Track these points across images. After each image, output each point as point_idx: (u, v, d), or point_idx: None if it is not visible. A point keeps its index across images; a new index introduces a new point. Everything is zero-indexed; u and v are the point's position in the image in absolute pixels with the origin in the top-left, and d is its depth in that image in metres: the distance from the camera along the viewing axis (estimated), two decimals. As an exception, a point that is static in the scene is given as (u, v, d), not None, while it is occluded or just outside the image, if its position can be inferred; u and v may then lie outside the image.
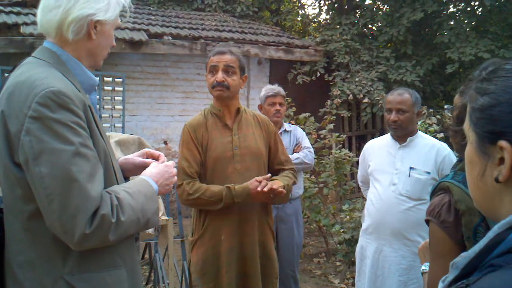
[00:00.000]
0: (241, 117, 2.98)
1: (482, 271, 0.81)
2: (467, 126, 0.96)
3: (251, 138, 2.93)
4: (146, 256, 5.57)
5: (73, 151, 1.43)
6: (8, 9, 8.06)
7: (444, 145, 3.26)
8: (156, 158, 1.97)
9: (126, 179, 1.92)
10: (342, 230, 5.30)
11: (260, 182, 2.74)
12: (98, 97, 6.78)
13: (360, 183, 3.79)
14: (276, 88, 4.37)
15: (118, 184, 1.67)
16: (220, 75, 2.85)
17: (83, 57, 1.68)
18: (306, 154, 4.27)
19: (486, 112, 0.90)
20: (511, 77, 0.89)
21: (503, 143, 0.86)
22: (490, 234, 0.83)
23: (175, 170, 1.89)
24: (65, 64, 1.62)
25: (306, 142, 4.42)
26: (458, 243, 1.72)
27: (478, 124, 0.92)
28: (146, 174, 1.77)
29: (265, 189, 2.71)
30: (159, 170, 1.81)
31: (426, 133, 5.67)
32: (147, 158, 1.99)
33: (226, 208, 2.79)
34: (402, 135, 3.27)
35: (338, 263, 5.96)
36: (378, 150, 3.44)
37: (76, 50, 1.65)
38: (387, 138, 3.43)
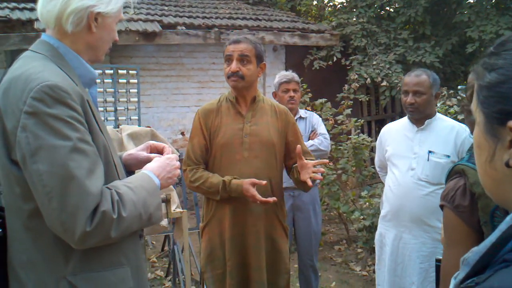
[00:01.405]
0: (257, 105, 2.92)
1: (494, 267, 0.72)
2: (474, 106, 0.86)
3: (263, 127, 2.86)
4: (166, 248, 5.57)
5: (70, 147, 1.39)
6: (22, 5, 8.09)
7: (464, 127, 3.14)
8: (160, 151, 1.93)
9: (131, 173, 1.88)
10: (361, 216, 5.22)
11: (254, 184, 2.67)
12: (112, 90, 6.76)
13: (377, 169, 3.71)
14: (290, 74, 4.28)
15: (119, 179, 1.62)
16: (234, 65, 2.79)
17: (82, 50, 1.62)
18: (321, 140, 4.18)
19: (494, 89, 0.80)
20: None
21: None
22: (503, 227, 0.74)
23: (178, 163, 1.83)
24: (62, 57, 1.57)
25: (322, 128, 4.34)
26: (474, 228, 1.63)
27: (485, 103, 0.82)
28: (147, 168, 1.72)
29: (258, 201, 2.67)
30: (161, 163, 1.76)
31: (446, 115, 5.54)
32: (151, 151, 1.95)
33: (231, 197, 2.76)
34: (420, 118, 3.17)
35: (359, 250, 5.89)
36: (395, 134, 3.34)
37: (75, 43, 1.60)
38: (404, 121, 3.33)
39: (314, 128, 4.31)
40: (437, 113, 3.25)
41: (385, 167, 3.47)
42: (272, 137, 2.87)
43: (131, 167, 1.90)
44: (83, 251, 1.48)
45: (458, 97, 6.19)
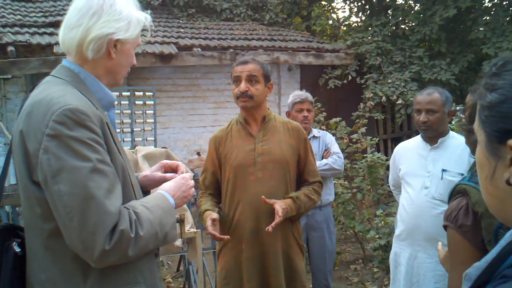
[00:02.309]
0: (268, 125, 2.93)
1: (494, 283, 0.74)
2: (476, 125, 0.89)
3: (275, 146, 2.87)
4: (181, 268, 5.58)
5: (90, 168, 1.43)
6: (42, 30, 8.28)
7: None
8: (175, 169, 1.96)
9: (147, 193, 1.92)
10: (377, 236, 5.18)
11: (215, 220, 2.71)
12: (129, 111, 6.85)
13: (391, 187, 3.69)
14: (304, 94, 4.31)
15: (136, 199, 1.66)
16: (243, 85, 2.82)
17: (102, 75, 1.68)
18: (335, 159, 4.19)
19: (494, 109, 0.83)
20: None
21: None
22: (502, 243, 0.76)
23: (192, 182, 1.86)
24: (83, 82, 1.63)
25: (335, 147, 4.34)
26: (479, 248, 1.63)
27: (487, 122, 0.85)
28: (163, 188, 1.76)
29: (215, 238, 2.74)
30: (176, 184, 1.79)
31: (463, 132, 5.49)
32: (165, 170, 1.99)
33: (245, 219, 2.80)
34: (433, 136, 3.16)
35: (375, 270, 5.83)
36: (409, 152, 3.33)
37: (95, 68, 1.65)
38: (417, 140, 3.32)
39: (327, 147, 4.32)
40: (450, 131, 3.24)
41: (399, 186, 3.45)
42: (285, 154, 2.87)
43: (147, 187, 1.94)
44: (100, 270, 1.51)
45: (457, 118, 6.15)
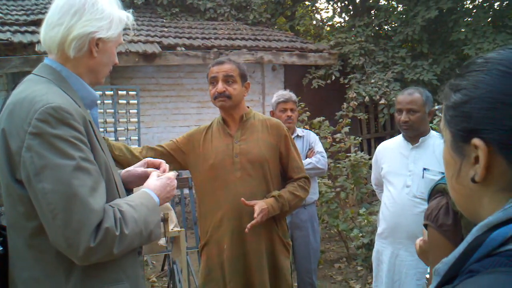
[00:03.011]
0: (246, 124, 2.93)
1: (461, 278, 0.76)
2: (442, 125, 0.92)
3: (253, 145, 2.87)
4: (166, 268, 5.57)
5: (74, 166, 1.43)
6: (24, 28, 8.19)
7: None
8: (157, 166, 1.97)
9: (130, 191, 1.92)
10: (360, 234, 5.22)
11: None
12: (112, 110, 6.82)
13: (374, 186, 3.73)
14: (287, 93, 4.33)
15: (120, 197, 1.66)
16: (220, 86, 2.82)
17: (83, 74, 1.68)
18: (318, 159, 4.22)
19: (458, 109, 0.86)
20: (482, 71, 0.84)
21: (476, 141, 0.81)
22: (469, 238, 0.79)
23: (175, 183, 1.87)
24: (65, 80, 1.62)
25: (319, 147, 4.37)
26: None
27: (451, 122, 0.88)
28: (148, 187, 1.76)
29: None
30: (162, 184, 1.79)
31: (444, 132, 5.56)
32: (148, 167, 1.98)
33: (228, 219, 2.80)
34: (414, 135, 3.20)
35: (359, 268, 5.88)
36: (391, 152, 3.37)
37: (77, 67, 1.65)
38: (399, 139, 3.36)
39: (311, 147, 4.35)
40: (431, 131, 3.28)
41: (382, 185, 3.48)
42: (263, 153, 2.86)
43: (130, 184, 1.94)
44: (83, 268, 1.51)
45: (438, 117, 6.24)
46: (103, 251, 1.46)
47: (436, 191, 1.79)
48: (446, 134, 0.90)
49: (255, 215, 2.64)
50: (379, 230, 3.36)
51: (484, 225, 0.78)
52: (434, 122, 5.65)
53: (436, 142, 3.20)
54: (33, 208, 1.46)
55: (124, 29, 1.76)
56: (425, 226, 1.80)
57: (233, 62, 2.90)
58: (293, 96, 4.33)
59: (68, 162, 1.42)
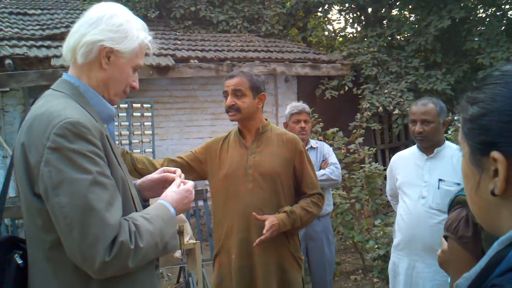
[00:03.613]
0: (262, 136, 2.95)
1: None
2: (460, 138, 0.92)
3: (267, 158, 2.88)
4: (181, 280, 5.56)
5: (91, 180, 1.45)
6: (39, 43, 8.31)
7: None
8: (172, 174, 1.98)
9: (146, 201, 1.93)
10: (376, 246, 5.18)
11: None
12: (127, 123, 6.87)
13: (389, 197, 3.71)
14: (301, 105, 4.34)
15: (137, 211, 1.67)
16: (229, 100, 2.89)
17: (97, 88, 1.69)
18: (332, 170, 4.21)
19: (476, 122, 0.86)
20: (499, 84, 0.84)
21: (495, 154, 0.81)
22: (490, 252, 0.78)
23: (193, 195, 1.88)
24: (83, 95, 1.65)
25: (333, 158, 4.37)
26: (479, 258, 1.64)
27: (469, 135, 0.88)
28: (166, 199, 1.76)
29: None
30: (180, 196, 1.80)
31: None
32: None
33: (236, 228, 2.83)
34: (429, 146, 3.19)
35: (375, 280, 5.83)
36: (405, 162, 3.36)
37: (90, 79, 1.67)
38: (413, 150, 3.35)
39: (325, 158, 4.34)
40: (446, 141, 3.27)
41: (397, 196, 3.46)
42: (275, 167, 2.87)
43: (146, 192, 1.95)
44: (101, 281, 1.52)
45: (454, 127, 6.20)
46: (118, 264, 1.47)
47: (456, 203, 1.78)
48: (464, 147, 0.90)
49: (264, 231, 2.66)
50: (395, 241, 3.34)
51: (506, 239, 0.78)
52: (449, 132, 5.62)
53: (451, 153, 3.18)
54: (51, 221, 1.47)
55: (145, 51, 1.77)
56: (445, 237, 1.78)
57: (244, 74, 2.92)
58: (306, 107, 4.34)
59: (85, 177, 1.44)
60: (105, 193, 1.47)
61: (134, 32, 1.70)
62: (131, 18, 1.73)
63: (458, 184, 3.06)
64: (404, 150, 3.55)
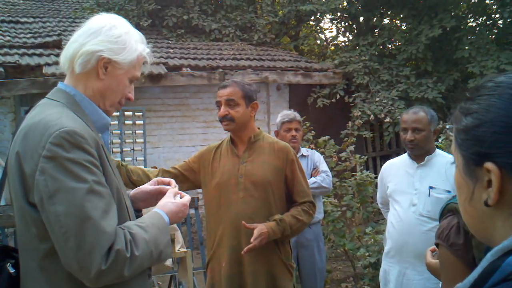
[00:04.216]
0: (254, 145, 2.97)
1: None
2: (453, 148, 0.92)
3: (258, 167, 2.90)
4: (172, 288, 5.54)
5: (87, 189, 1.45)
6: (31, 51, 8.28)
7: None
8: (167, 184, 1.98)
9: (139, 211, 1.93)
10: (367, 253, 5.19)
11: None
12: (119, 131, 6.85)
13: (380, 205, 3.72)
14: (292, 113, 4.36)
15: (130, 220, 1.67)
16: (222, 109, 2.91)
17: (92, 97, 1.70)
18: (323, 178, 4.23)
19: (470, 133, 0.86)
20: (493, 95, 0.85)
21: (489, 165, 0.82)
22: (484, 263, 0.79)
23: (187, 210, 1.89)
24: (78, 105, 1.65)
25: (323, 166, 4.38)
26: (470, 266, 1.65)
27: (463, 146, 0.88)
28: (162, 209, 1.76)
29: None
30: (177, 209, 1.80)
31: (449, 150, 5.55)
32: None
33: (227, 236, 2.84)
34: (420, 154, 3.22)
35: (366, 287, 5.83)
36: (396, 170, 3.38)
37: (87, 89, 1.68)
38: (404, 157, 3.37)
39: (316, 166, 4.36)
40: (437, 149, 3.29)
41: (387, 204, 3.48)
42: (267, 176, 2.89)
43: (139, 203, 1.95)
44: None
45: (445, 135, 6.24)
46: (114, 273, 1.47)
47: (448, 211, 1.80)
48: (457, 157, 0.90)
49: (252, 239, 2.67)
50: (386, 249, 3.35)
51: (499, 249, 0.78)
52: (440, 140, 5.65)
53: (442, 160, 3.20)
54: (46, 230, 1.47)
55: (143, 63, 1.78)
56: (437, 245, 1.80)
57: (237, 84, 2.94)
58: (297, 116, 4.36)
59: (81, 185, 1.44)
60: (101, 201, 1.48)
61: (132, 44, 1.71)
62: (130, 30, 1.75)
63: (449, 191, 3.08)
64: (395, 158, 3.58)
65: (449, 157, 3.29)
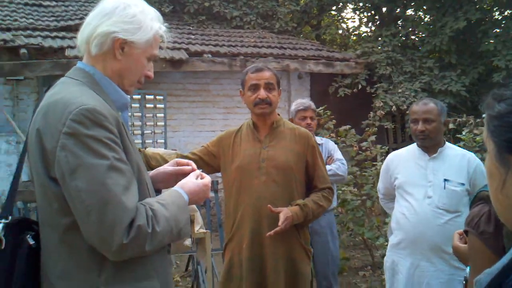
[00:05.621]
0: (276, 130, 2.97)
1: None
2: (485, 135, 0.90)
3: (281, 152, 2.90)
4: (190, 268, 5.58)
5: (108, 165, 1.46)
6: (54, 34, 8.40)
7: (473, 155, 3.18)
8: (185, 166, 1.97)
9: (158, 191, 1.92)
10: (386, 243, 5.15)
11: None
12: (140, 114, 6.89)
13: (380, 196, 3.67)
14: (307, 102, 4.36)
15: (150, 196, 1.68)
16: (263, 93, 2.88)
17: (112, 77, 1.70)
18: (339, 165, 4.21)
19: (503, 119, 0.84)
20: None
21: None
22: None
23: (209, 192, 1.88)
24: (98, 83, 1.66)
25: (338, 154, 4.38)
26: (499, 254, 1.62)
27: (495, 132, 0.86)
28: (183, 187, 1.76)
29: None
30: (198, 189, 1.79)
31: (473, 143, 5.49)
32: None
33: (247, 219, 2.85)
34: (430, 145, 3.18)
35: (383, 276, 5.79)
36: (405, 162, 3.32)
37: (105, 69, 1.68)
38: (413, 149, 3.32)
39: (330, 154, 4.35)
40: (446, 142, 3.25)
41: (390, 195, 3.46)
42: (289, 161, 2.89)
43: (159, 183, 1.95)
44: (115, 264, 1.54)
45: (468, 128, 6.15)
46: (136, 248, 1.48)
47: (479, 198, 1.77)
48: (489, 144, 0.88)
49: (280, 223, 2.68)
50: (395, 240, 3.29)
51: None
52: (463, 133, 5.58)
53: (453, 153, 3.19)
54: (67, 205, 1.48)
55: (160, 42, 1.77)
56: (466, 232, 1.77)
57: (270, 69, 2.97)
58: (312, 104, 4.35)
59: (102, 162, 1.45)
60: (122, 178, 1.49)
61: (148, 22, 1.70)
62: (145, 8, 1.73)
63: (463, 184, 3.06)
64: (400, 150, 3.53)
65: (459, 150, 3.25)
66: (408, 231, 3.17)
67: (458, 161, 3.11)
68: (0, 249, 1.59)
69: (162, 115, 7.07)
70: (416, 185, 3.18)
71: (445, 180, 3.08)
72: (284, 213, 2.72)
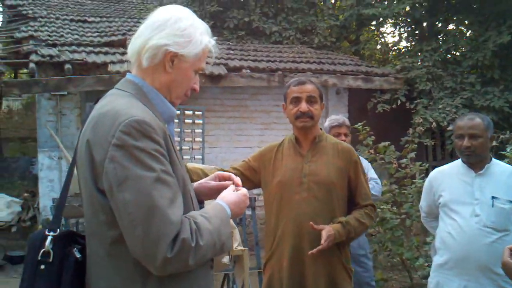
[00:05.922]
0: (318, 145, 2.93)
1: None
2: None
3: (322, 167, 2.86)
4: (225, 287, 5.56)
5: (155, 178, 1.47)
6: (97, 49, 8.60)
7: None
8: (227, 179, 1.97)
9: (201, 203, 1.94)
10: (426, 264, 5.03)
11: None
12: (178, 129, 6.97)
13: (423, 214, 3.57)
14: (341, 118, 4.33)
15: (194, 210, 1.69)
16: (304, 106, 2.85)
17: (160, 89, 1.72)
18: (373, 185, 4.14)
19: None
20: None
21: None
22: None
23: (248, 201, 1.88)
24: (146, 95, 1.67)
25: (372, 173, 4.32)
26: None
27: None
28: (224, 200, 1.77)
29: None
30: (238, 200, 1.80)
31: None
32: (219, 181, 1.99)
33: (288, 235, 2.81)
34: (476, 161, 3.09)
35: (422, 299, 5.67)
36: (450, 179, 3.23)
37: (154, 81, 1.70)
38: (457, 165, 3.23)
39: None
40: (493, 158, 3.17)
41: (433, 214, 3.36)
42: (331, 176, 2.85)
43: (201, 196, 1.95)
44: (159, 278, 1.54)
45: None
46: (180, 262, 1.48)
47: None
48: None
49: (322, 241, 2.64)
50: (440, 260, 3.21)
51: None
52: (508, 150, 5.43)
53: (500, 169, 3.10)
54: (114, 217, 1.49)
55: (207, 56, 1.78)
56: None
57: (313, 82, 2.94)
58: (346, 120, 4.33)
59: (149, 174, 1.46)
60: (168, 190, 1.49)
61: (198, 36, 1.72)
62: (195, 21, 1.75)
63: (511, 201, 2.96)
64: (443, 166, 3.43)
65: (507, 167, 3.16)
66: (455, 251, 3.08)
67: (506, 178, 3.03)
68: (48, 262, 1.60)
69: (201, 130, 7.13)
70: (463, 203, 3.09)
71: (493, 197, 2.99)
72: (327, 230, 2.67)
